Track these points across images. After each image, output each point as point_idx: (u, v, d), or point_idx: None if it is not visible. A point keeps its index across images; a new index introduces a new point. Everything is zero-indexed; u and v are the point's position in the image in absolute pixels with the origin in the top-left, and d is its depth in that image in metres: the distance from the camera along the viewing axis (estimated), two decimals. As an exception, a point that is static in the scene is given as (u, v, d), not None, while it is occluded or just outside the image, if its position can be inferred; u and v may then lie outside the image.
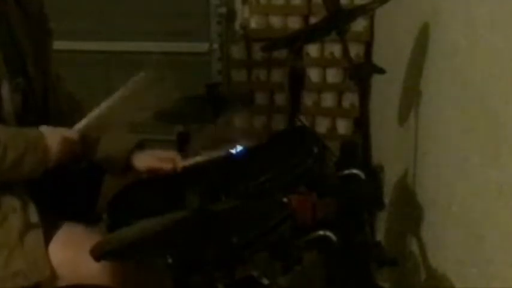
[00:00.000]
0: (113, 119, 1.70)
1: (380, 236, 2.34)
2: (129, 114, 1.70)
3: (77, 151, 1.64)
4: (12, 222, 1.57)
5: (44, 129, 1.60)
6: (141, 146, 1.81)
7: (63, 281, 1.60)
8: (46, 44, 1.76)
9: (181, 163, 1.74)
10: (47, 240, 1.60)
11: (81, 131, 1.64)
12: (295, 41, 1.95)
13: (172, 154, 1.78)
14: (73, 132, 1.62)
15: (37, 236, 1.58)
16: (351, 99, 3.04)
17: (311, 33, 2.16)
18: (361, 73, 1.75)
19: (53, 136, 1.59)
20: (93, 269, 1.47)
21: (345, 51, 1.83)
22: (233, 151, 1.75)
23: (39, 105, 1.71)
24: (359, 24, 2.93)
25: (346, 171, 1.76)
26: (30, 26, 1.69)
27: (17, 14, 1.66)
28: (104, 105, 1.65)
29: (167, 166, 1.74)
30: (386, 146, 2.36)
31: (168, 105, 2.25)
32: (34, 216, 1.59)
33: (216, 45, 3.31)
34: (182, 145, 2.70)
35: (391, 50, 2.42)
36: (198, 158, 1.75)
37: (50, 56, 1.78)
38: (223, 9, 3.25)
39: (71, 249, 1.59)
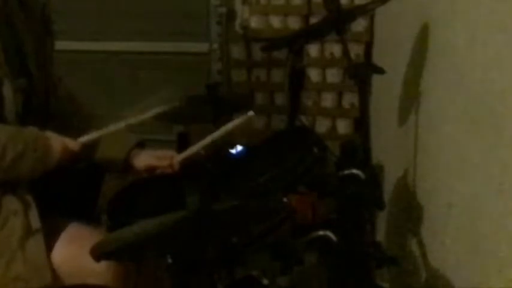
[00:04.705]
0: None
1: (380, 236, 2.34)
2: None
3: (75, 159, 1.65)
4: (13, 226, 1.57)
5: (49, 134, 1.61)
6: (141, 145, 1.81)
7: (68, 279, 1.61)
8: (48, 44, 1.76)
9: (178, 157, 1.75)
10: (49, 240, 1.60)
11: (84, 144, 1.65)
12: (295, 41, 1.94)
13: (170, 152, 1.79)
14: (76, 144, 1.63)
15: (38, 241, 1.58)
16: (351, 99, 3.04)
17: (311, 33, 2.16)
18: (361, 73, 1.74)
19: (56, 143, 1.60)
20: (96, 267, 1.47)
21: (345, 51, 1.83)
22: (233, 151, 1.75)
23: (41, 105, 1.71)
24: (359, 24, 2.93)
25: (346, 171, 1.75)
26: (33, 26, 1.70)
27: (19, 14, 1.66)
28: (113, 127, 1.67)
29: (165, 163, 1.74)
30: (387, 146, 2.37)
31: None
32: (35, 221, 1.59)
33: (216, 45, 3.31)
34: (182, 145, 2.70)
35: (391, 50, 2.42)
36: (195, 146, 1.75)
37: (52, 56, 1.78)
38: (223, 9, 3.25)
39: (74, 247, 1.59)
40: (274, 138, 2.00)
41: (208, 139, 1.72)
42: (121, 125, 1.69)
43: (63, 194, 1.75)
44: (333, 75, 3.07)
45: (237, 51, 3.23)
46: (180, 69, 3.40)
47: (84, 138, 1.66)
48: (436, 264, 1.68)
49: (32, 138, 1.58)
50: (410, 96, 1.95)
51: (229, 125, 1.74)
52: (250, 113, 1.74)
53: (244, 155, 1.80)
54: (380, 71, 1.80)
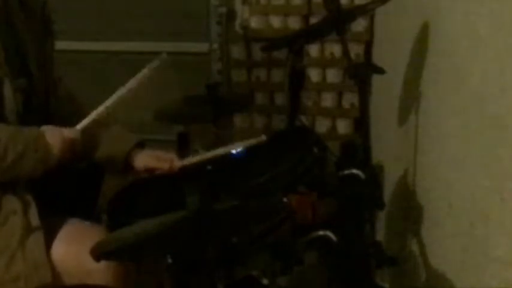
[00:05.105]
0: (114, 116, 1.71)
1: (380, 236, 2.34)
2: (130, 111, 1.70)
3: (77, 150, 1.64)
4: (13, 225, 1.57)
5: (45, 128, 1.61)
6: (141, 145, 1.81)
7: (68, 277, 1.61)
8: (48, 44, 1.76)
9: (179, 163, 1.75)
10: (49, 240, 1.60)
11: (82, 130, 1.64)
12: (295, 41, 1.95)
13: (170, 155, 1.79)
14: (74, 132, 1.62)
15: (38, 240, 1.58)
16: (351, 99, 3.04)
17: (311, 33, 2.16)
18: (361, 73, 1.74)
19: (54, 135, 1.59)
20: (96, 267, 1.47)
21: (345, 51, 1.83)
22: (233, 151, 1.75)
23: (41, 105, 1.71)
24: (359, 24, 2.93)
25: (346, 171, 1.76)
26: (33, 26, 1.70)
27: (19, 14, 1.66)
28: (105, 104, 1.66)
29: (164, 166, 1.74)
30: (387, 146, 2.36)
31: (168, 104, 2.25)
32: (35, 219, 1.59)
33: (216, 45, 3.31)
34: (182, 145, 2.70)
35: (391, 50, 2.42)
36: (197, 158, 1.75)
37: (52, 56, 1.78)
38: (223, 9, 3.25)
39: (74, 246, 1.59)
40: (274, 138, 2.00)
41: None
42: (111, 100, 1.66)
43: (63, 193, 1.75)
44: (333, 75, 3.07)
45: (237, 51, 3.23)
46: (180, 69, 3.40)
47: (81, 124, 1.64)
48: (436, 264, 1.68)
49: (32, 138, 1.58)
50: (410, 96, 1.95)
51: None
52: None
53: (244, 155, 1.80)
54: (380, 71, 1.80)
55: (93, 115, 1.65)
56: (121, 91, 1.66)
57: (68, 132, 1.61)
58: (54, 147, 1.58)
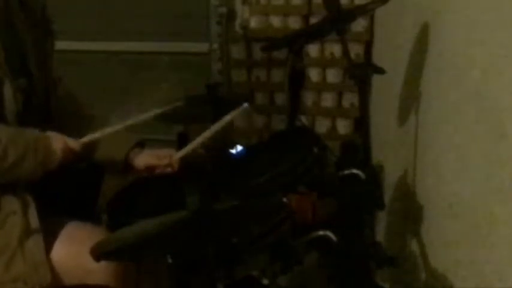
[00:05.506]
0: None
1: (380, 236, 2.34)
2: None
3: (77, 159, 1.65)
4: (12, 226, 1.57)
5: (50, 134, 1.61)
6: (141, 144, 1.81)
7: (67, 278, 1.60)
8: (48, 44, 1.76)
9: (178, 155, 1.74)
10: (48, 240, 1.60)
11: (86, 144, 1.65)
12: (295, 41, 1.95)
13: (169, 151, 1.79)
14: (77, 144, 1.63)
15: (37, 241, 1.57)
16: (351, 99, 3.04)
17: (311, 33, 2.16)
18: (361, 73, 1.74)
19: (57, 142, 1.59)
20: (96, 267, 1.47)
21: (345, 51, 1.83)
22: (233, 151, 1.75)
23: (41, 105, 1.71)
24: (359, 24, 2.93)
25: (346, 171, 1.76)
26: (33, 26, 1.70)
27: (19, 14, 1.66)
28: (114, 128, 1.67)
29: (164, 162, 1.74)
30: (387, 146, 2.37)
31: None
32: (34, 220, 1.58)
33: (216, 45, 3.31)
34: (182, 145, 2.70)
35: (391, 50, 2.42)
36: (192, 145, 1.74)
37: (52, 56, 1.78)
38: (223, 9, 3.25)
39: (74, 247, 1.59)
40: (274, 138, 2.00)
41: (205, 134, 1.71)
42: (122, 125, 1.69)
43: (63, 193, 1.75)
44: (333, 75, 3.07)
45: (237, 51, 3.23)
46: (180, 69, 3.40)
47: (86, 139, 1.66)
48: (436, 264, 1.68)
49: (32, 140, 1.58)
50: (410, 96, 1.96)
51: (225, 119, 1.73)
52: (245, 105, 1.73)
53: (244, 155, 1.80)
54: (380, 71, 1.80)
55: (100, 133, 1.67)
56: (133, 121, 1.70)
57: (72, 143, 1.61)
58: (56, 154, 1.59)
